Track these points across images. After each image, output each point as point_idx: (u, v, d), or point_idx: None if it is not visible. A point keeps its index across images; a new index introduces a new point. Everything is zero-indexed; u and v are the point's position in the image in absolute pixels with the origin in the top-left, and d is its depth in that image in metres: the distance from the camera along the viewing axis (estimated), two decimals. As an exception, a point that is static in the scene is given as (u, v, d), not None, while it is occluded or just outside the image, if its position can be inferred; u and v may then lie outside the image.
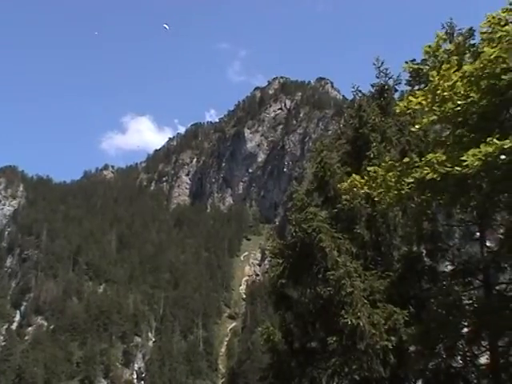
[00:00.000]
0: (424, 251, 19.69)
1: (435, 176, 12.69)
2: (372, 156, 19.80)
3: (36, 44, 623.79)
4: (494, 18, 12.66)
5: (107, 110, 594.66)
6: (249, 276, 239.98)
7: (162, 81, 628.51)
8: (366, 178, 14.90)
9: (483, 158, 11.38)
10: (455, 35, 16.64)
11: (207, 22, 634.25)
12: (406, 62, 14.17)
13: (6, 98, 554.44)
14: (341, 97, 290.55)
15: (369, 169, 15.03)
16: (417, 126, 14.52)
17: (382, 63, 21.49)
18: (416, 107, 13.37)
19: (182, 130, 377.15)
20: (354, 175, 15.42)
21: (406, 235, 19.75)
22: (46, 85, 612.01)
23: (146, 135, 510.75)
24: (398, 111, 15.16)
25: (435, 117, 13.34)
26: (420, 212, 16.66)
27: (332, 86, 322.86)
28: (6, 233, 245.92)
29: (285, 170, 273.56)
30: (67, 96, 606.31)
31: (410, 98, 13.38)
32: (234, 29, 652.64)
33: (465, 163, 11.66)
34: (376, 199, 15.81)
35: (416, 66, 14.48)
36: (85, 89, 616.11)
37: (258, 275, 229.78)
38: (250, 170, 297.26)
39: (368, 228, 19.63)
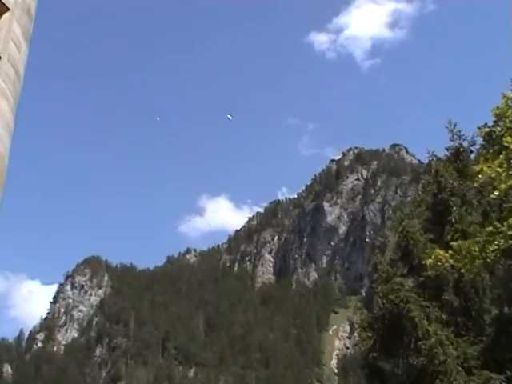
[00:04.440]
0: (516, 312, 19.30)
1: None
2: (454, 221, 19.66)
3: (110, 136, 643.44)
4: None
5: (182, 193, 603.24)
6: (339, 350, 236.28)
7: (233, 161, 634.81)
8: (450, 252, 14.57)
9: None
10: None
11: (274, 98, 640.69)
12: (479, 128, 14.00)
13: (84, 196, 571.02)
14: (416, 161, 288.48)
15: (452, 244, 14.75)
16: (496, 193, 14.09)
17: (455, 125, 21.56)
18: (492, 175, 12.96)
19: (257, 208, 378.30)
20: (437, 250, 15.16)
21: (496, 297, 19.40)
22: (116, 176, 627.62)
23: (224, 215, 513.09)
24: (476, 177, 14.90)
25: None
26: (508, 276, 16.31)
27: (407, 152, 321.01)
28: (94, 322, 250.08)
29: (367, 240, 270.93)
30: (139, 184, 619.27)
31: (485, 168, 12.93)
32: (300, 103, 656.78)
33: None
34: (462, 271, 15.50)
35: (488, 130, 14.30)
36: (154, 177, 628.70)
37: (348, 348, 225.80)
38: (332, 243, 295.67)
39: (456, 294, 19.39)
